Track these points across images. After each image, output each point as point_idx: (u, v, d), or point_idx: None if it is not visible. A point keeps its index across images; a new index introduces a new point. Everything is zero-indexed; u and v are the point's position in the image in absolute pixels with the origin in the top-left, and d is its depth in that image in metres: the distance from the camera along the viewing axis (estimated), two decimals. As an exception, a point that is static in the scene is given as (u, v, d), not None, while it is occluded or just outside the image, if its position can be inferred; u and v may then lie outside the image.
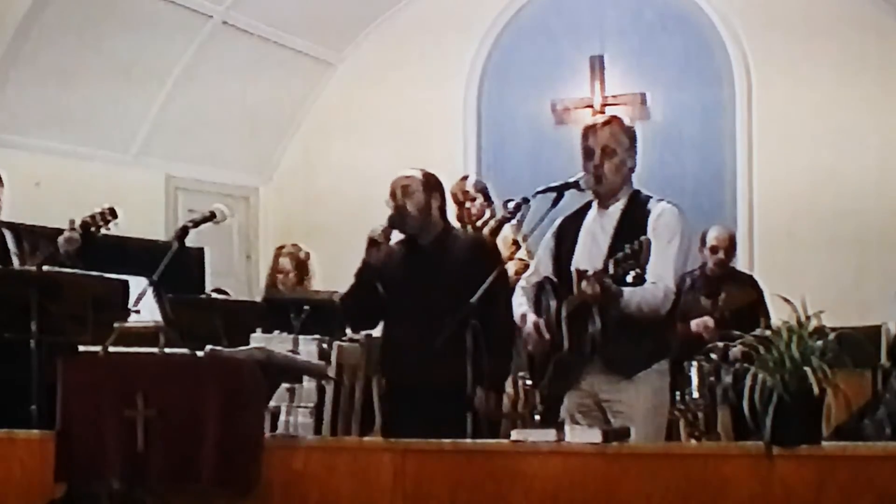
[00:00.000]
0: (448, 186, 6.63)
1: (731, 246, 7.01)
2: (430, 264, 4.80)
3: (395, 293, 4.82)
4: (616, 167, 4.28)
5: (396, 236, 4.91)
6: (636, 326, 4.10)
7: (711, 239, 6.91)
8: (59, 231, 5.43)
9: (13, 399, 4.95)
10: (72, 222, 5.41)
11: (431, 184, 4.90)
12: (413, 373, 4.63)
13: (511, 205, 6.27)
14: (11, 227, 5.74)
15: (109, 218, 5.44)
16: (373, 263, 4.76)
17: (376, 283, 4.83)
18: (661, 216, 4.22)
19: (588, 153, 4.30)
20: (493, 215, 6.60)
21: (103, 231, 5.44)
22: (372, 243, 4.73)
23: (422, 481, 3.83)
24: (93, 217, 5.42)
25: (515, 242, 5.98)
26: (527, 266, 5.23)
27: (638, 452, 3.73)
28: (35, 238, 5.65)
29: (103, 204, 5.50)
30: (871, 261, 8.20)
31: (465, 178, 6.89)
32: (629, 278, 3.95)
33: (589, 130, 4.35)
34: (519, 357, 4.94)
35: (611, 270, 3.94)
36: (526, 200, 4.34)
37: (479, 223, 6.55)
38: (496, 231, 6.26)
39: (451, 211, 6.57)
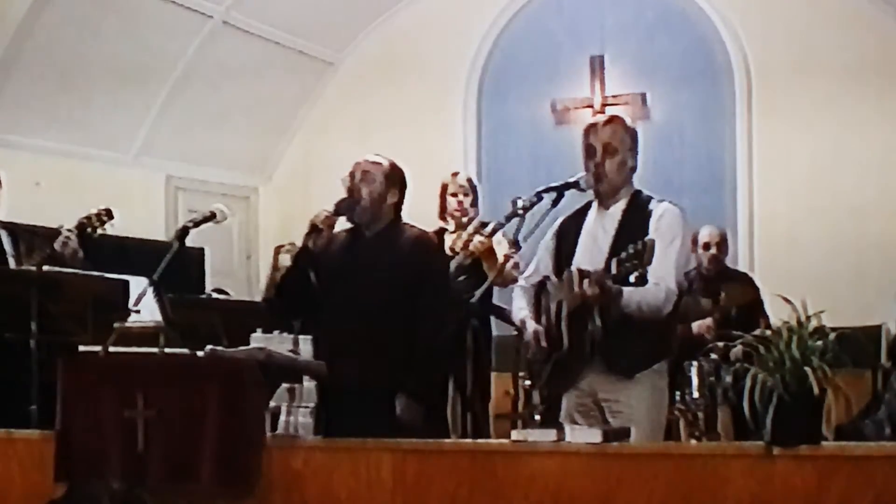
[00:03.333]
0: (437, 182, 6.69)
1: (722, 243, 7.02)
2: (372, 257, 4.59)
3: (332, 282, 4.60)
4: (617, 166, 4.28)
5: (342, 223, 4.71)
6: (637, 326, 4.09)
7: (703, 236, 6.92)
8: (58, 231, 5.42)
9: (13, 399, 4.94)
10: (62, 228, 5.40)
11: (394, 177, 4.65)
12: (345, 370, 4.37)
13: (520, 202, 6.27)
14: (8, 227, 5.74)
15: (105, 219, 5.42)
16: (311, 249, 4.57)
17: (310, 271, 4.60)
18: (662, 217, 4.21)
19: (589, 152, 4.29)
20: (476, 216, 6.61)
21: (99, 232, 5.43)
22: (313, 229, 4.55)
23: (422, 481, 3.82)
24: (88, 218, 5.42)
25: (516, 243, 5.98)
26: (517, 265, 5.22)
27: (638, 452, 3.73)
28: (32, 238, 5.64)
29: (99, 205, 5.50)
30: (871, 261, 8.20)
31: (456, 173, 6.83)
32: (632, 279, 3.95)
33: (591, 129, 4.34)
34: (518, 357, 4.92)
35: (613, 270, 3.93)
36: (539, 197, 4.29)
37: (464, 220, 6.56)
38: (493, 233, 6.26)
39: (434, 202, 6.59)
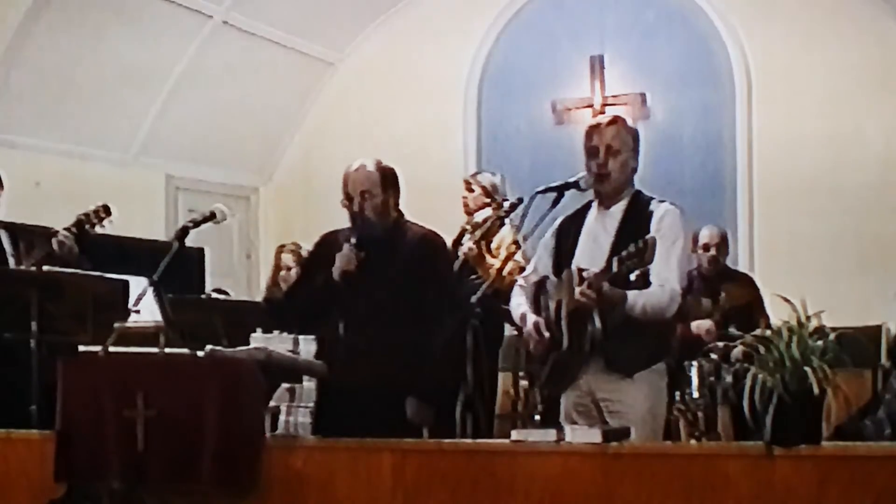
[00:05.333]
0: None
1: (722, 244, 7.01)
2: (377, 259, 4.55)
3: (338, 287, 4.55)
4: (620, 167, 4.27)
5: (344, 222, 4.67)
6: (637, 326, 4.09)
7: (703, 237, 6.92)
8: (43, 228, 5.42)
9: (13, 399, 4.94)
10: (53, 229, 5.39)
11: (388, 180, 4.61)
12: (354, 371, 4.35)
13: (506, 204, 6.29)
14: (7, 226, 5.74)
15: (103, 215, 5.41)
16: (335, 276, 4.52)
17: (324, 284, 4.57)
18: (664, 217, 4.20)
19: (592, 153, 4.28)
20: (498, 215, 6.62)
21: (98, 229, 5.42)
22: (346, 273, 4.48)
23: (422, 481, 3.83)
24: (86, 215, 5.41)
25: (516, 243, 5.99)
26: (522, 269, 5.23)
27: (638, 452, 3.73)
28: (31, 238, 5.63)
29: (97, 202, 5.49)
30: (871, 261, 8.20)
31: (476, 173, 6.97)
32: (633, 277, 3.94)
33: (594, 130, 4.33)
34: (518, 357, 4.92)
35: (614, 269, 3.93)
36: (520, 200, 4.30)
37: (478, 219, 6.58)
38: (489, 232, 6.27)
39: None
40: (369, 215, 4.57)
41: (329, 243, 4.69)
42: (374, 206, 4.57)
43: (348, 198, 4.61)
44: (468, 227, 6.59)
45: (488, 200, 6.63)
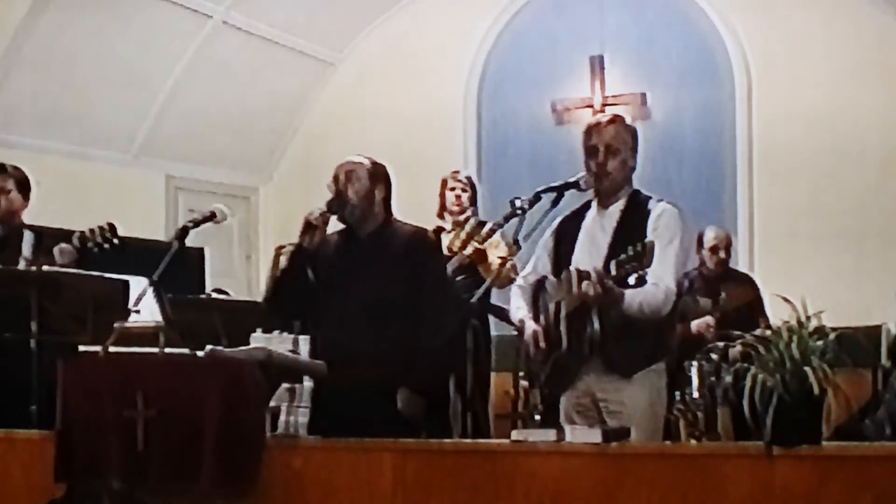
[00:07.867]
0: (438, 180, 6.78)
1: (729, 245, 7.04)
2: (367, 257, 4.57)
3: (329, 285, 4.59)
4: (619, 165, 4.29)
5: (336, 226, 4.69)
6: (636, 327, 4.10)
7: (710, 239, 6.92)
8: (72, 232, 5.39)
9: (13, 399, 4.94)
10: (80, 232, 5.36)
11: (378, 173, 4.65)
12: (344, 370, 4.35)
13: (517, 203, 6.29)
14: (34, 229, 5.73)
15: (109, 235, 5.37)
16: (306, 248, 4.56)
17: (308, 268, 4.60)
18: (661, 216, 4.22)
19: (591, 151, 4.29)
20: (474, 215, 6.65)
21: (103, 247, 5.38)
22: (307, 227, 4.54)
23: (422, 481, 3.83)
24: (91, 231, 5.37)
25: (516, 243, 5.99)
26: (516, 270, 5.24)
27: (638, 452, 3.73)
28: (54, 242, 5.60)
29: (99, 205, 5.46)
30: (871, 261, 8.20)
31: (457, 171, 6.96)
32: (631, 280, 3.95)
33: (593, 129, 4.34)
34: (518, 357, 4.91)
35: (613, 272, 3.93)
36: (538, 198, 4.29)
37: (461, 217, 6.60)
38: (490, 234, 6.28)
39: (434, 202, 6.67)
40: (351, 196, 4.58)
41: (320, 242, 4.69)
42: (358, 188, 4.59)
43: (335, 179, 4.64)
44: (447, 226, 6.60)
45: (471, 202, 6.69)
